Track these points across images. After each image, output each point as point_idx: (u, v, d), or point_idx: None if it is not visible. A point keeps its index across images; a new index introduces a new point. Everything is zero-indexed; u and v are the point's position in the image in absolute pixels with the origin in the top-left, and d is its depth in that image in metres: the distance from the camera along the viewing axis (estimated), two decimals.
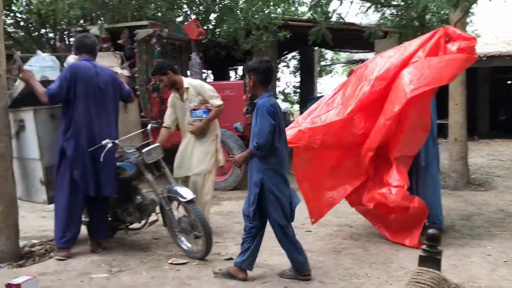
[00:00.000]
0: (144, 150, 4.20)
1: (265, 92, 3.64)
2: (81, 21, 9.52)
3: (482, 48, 14.61)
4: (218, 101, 4.83)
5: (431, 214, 4.58)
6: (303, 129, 4.62)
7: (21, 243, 4.46)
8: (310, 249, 4.41)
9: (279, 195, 3.55)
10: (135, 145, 4.44)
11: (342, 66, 23.22)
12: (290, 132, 4.52)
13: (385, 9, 10.67)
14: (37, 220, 5.62)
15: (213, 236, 4.17)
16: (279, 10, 10.97)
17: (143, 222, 4.56)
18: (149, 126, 4.63)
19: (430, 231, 2.48)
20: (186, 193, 4.15)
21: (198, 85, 4.87)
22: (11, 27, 12.02)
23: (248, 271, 3.69)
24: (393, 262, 4.01)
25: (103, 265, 4.05)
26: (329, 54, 22.91)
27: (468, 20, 10.32)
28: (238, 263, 3.66)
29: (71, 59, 5.03)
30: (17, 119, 4.42)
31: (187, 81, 4.90)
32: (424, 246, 2.47)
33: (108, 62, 4.92)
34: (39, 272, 3.85)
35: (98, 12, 8.41)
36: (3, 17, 4.33)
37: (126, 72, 5.06)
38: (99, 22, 8.31)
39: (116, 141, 4.32)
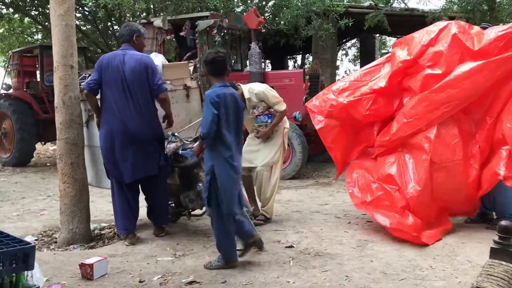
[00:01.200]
0: (195, 144, 4.28)
1: (218, 82, 3.73)
2: (144, 14, 9.82)
3: None
4: (282, 107, 4.83)
5: (505, 209, 4.41)
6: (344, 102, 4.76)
7: (92, 226, 4.71)
8: (372, 239, 4.35)
9: (226, 183, 3.60)
10: (192, 136, 4.54)
11: None
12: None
13: None
14: (105, 204, 5.90)
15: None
16: None
17: (204, 208, 4.68)
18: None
19: (503, 222, 2.38)
20: None
21: (260, 92, 4.79)
22: (80, 21, 12.61)
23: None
24: (459, 255, 3.88)
25: (168, 248, 4.20)
26: (389, 41, 22.22)
27: None
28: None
29: (153, 55, 5.24)
30: (87, 109, 4.64)
31: (247, 90, 4.83)
32: (496, 238, 2.37)
33: (180, 73, 4.96)
34: (109, 254, 4.05)
35: (161, 5, 8.61)
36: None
37: (194, 84, 5.01)
38: (162, 14, 8.52)
39: (176, 133, 4.46)
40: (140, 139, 4.27)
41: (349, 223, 4.98)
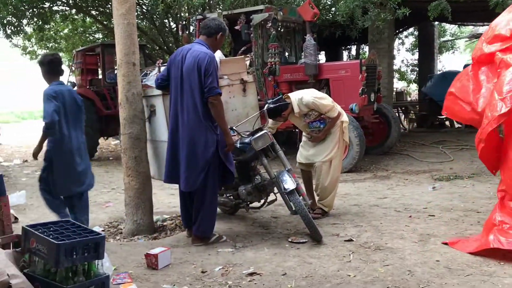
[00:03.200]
0: (252, 138, 4.32)
1: (55, 81, 4.33)
2: (200, 9, 9.99)
3: None
4: (334, 113, 4.78)
5: None
6: None
7: (155, 217, 4.87)
8: (435, 233, 4.24)
9: (55, 172, 4.30)
10: (250, 129, 4.57)
11: (466, 41, 21.49)
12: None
13: None
14: (167, 197, 6.10)
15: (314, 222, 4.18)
16: None
17: (262, 201, 4.73)
18: (265, 108, 4.74)
19: None
20: (289, 183, 4.19)
21: (310, 102, 4.72)
22: (138, 18, 12.99)
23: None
24: (498, 250, 3.68)
25: (228, 240, 4.28)
26: (450, 29, 21.37)
27: None
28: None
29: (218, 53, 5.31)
30: (149, 104, 4.79)
31: (296, 103, 4.74)
32: None
33: (237, 67, 4.96)
34: (172, 245, 4.18)
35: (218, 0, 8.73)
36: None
37: (250, 78, 4.98)
38: (217, 9, 8.64)
39: (234, 127, 4.49)
40: (183, 147, 4.04)
41: (410, 217, 4.87)
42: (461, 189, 6.09)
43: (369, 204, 5.52)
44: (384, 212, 5.10)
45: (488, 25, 15.21)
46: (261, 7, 8.24)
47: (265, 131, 4.42)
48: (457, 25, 19.02)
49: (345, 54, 18.18)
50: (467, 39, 20.17)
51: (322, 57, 16.49)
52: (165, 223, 4.96)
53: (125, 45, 4.48)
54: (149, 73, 5.01)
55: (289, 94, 4.90)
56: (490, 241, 3.60)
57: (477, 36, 16.94)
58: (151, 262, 3.65)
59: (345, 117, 4.96)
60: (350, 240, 4.15)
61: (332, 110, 4.78)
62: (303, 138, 5.09)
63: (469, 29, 19.14)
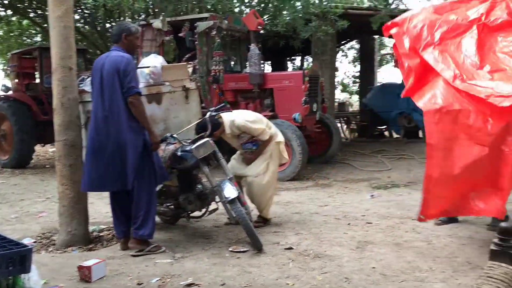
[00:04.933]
0: (193, 147, 4.27)
1: None
2: (144, 15, 9.83)
3: None
4: (265, 136, 4.74)
5: None
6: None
7: (90, 228, 4.69)
8: (371, 240, 4.34)
9: None
10: (191, 137, 4.51)
11: None
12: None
13: None
14: (104, 206, 5.88)
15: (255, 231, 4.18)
16: None
17: (203, 210, 4.67)
18: (207, 115, 4.70)
19: (503, 224, 2.36)
20: (230, 192, 4.16)
21: (241, 126, 4.69)
22: (79, 22, 12.59)
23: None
24: (459, 256, 3.86)
25: (167, 251, 4.18)
26: (390, 42, 22.22)
27: None
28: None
29: (152, 57, 5.21)
30: (86, 110, 4.63)
31: (229, 125, 4.70)
32: (496, 240, 2.36)
33: (179, 74, 4.90)
34: (107, 256, 4.03)
35: (161, 6, 8.61)
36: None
37: (193, 86, 4.91)
38: (161, 15, 8.52)
39: (175, 135, 4.43)
40: (105, 149, 4.01)
41: (348, 224, 4.97)
42: (398, 197, 6.30)
43: (310, 212, 5.59)
44: (325, 220, 5.17)
45: None
46: (206, 15, 8.21)
47: (207, 139, 4.37)
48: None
49: (290, 65, 18.49)
50: None
51: (267, 67, 16.68)
52: (101, 234, 4.78)
53: (61, 48, 4.31)
54: (86, 78, 4.85)
55: (222, 115, 4.80)
56: None
57: None
58: (84, 275, 3.50)
59: (280, 137, 4.94)
60: (290, 248, 4.17)
61: (264, 133, 4.74)
62: (238, 152, 5.06)
63: None
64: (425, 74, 4.00)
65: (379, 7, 10.41)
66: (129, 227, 4.24)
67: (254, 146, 4.83)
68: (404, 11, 10.73)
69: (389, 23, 4.42)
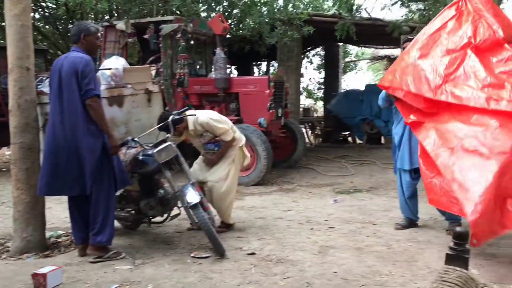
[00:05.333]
0: (155, 151, 4.21)
1: None
2: (107, 16, 9.64)
3: None
4: (228, 137, 4.72)
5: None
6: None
7: (48, 233, 4.54)
8: (333, 245, 4.37)
9: None
10: (154, 141, 4.44)
11: (367, 63, 22.93)
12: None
13: (411, 3, 10.49)
14: (63, 211, 5.69)
15: (218, 236, 4.14)
16: (301, 5, 10.89)
17: (165, 216, 4.59)
18: (170, 118, 4.64)
19: (458, 229, 2.42)
20: (192, 197, 4.11)
21: (205, 123, 4.68)
22: (40, 22, 12.24)
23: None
24: (418, 260, 3.94)
25: (127, 257, 4.09)
26: (354, 50, 22.65)
27: None
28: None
29: (114, 59, 5.08)
30: (44, 112, 4.49)
31: (192, 121, 4.70)
32: (451, 244, 2.41)
33: (142, 77, 4.81)
34: (65, 263, 3.90)
35: (125, 7, 8.48)
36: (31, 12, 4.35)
37: (156, 88, 4.79)
38: (125, 17, 8.38)
39: (136, 138, 4.35)
40: (62, 152, 3.90)
41: (311, 229, 4.99)
42: (360, 202, 6.39)
43: (274, 217, 5.59)
44: (288, 225, 5.18)
45: (388, 48, 16.30)
46: (171, 17, 8.13)
47: (169, 142, 4.30)
48: (360, 47, 20.21)
49: (256, 70, 18.53)
50: (368, 60, 21.52)
51: (233, 71, 16.66)
52: (59, 240, 4.63)
53: (18, 48, 4.16)
54: (45, 79, 4.70)
55: (187, 112, 4.79)
56: None
57: (378, 58, 18.15)
58: (39, 283, 3.37)
59: (242, 142, 4.92)
60: (253, 254, 4.15)
61: (226, 133, 4.71)
62: (200, 156, 5.02)
63: (370, 51, 20.39)
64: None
65: (343, 15, 10.59)
66: (87, 232, 4.11)
67: (216, 146, 4.80)
68: (368, 19, 11.01)
69: (385, 84, 4.46)
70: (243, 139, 4.98)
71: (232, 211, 5.04)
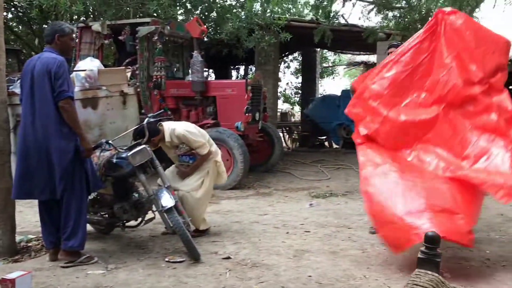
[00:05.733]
0: (129, 153, 4.16)
1: None
2: (83, 17, 9.50)
3: None
4: (204, 150, 4.66)
5: None
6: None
7: (18, 238, 4.44)
8: (308, 249, 4.38)
9: None
10: (127, 144, 4.38)
11: (344, 68, 23.18)
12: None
13: (387, 11, 10.65)
14: (34, 215, 5.55)
15: (193, 240, 4.10)
16: (280, 10, 10.94)
17: (139, 219, 4.53)
18: (145, 121, 4.58)
19: (429, 233, 2.45)
20: (167, 201, 4.06)
21: (181, 135, 4.62)
22: (13, 21, 12.00)
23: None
24: (392, 264, 3.98)
25: (100, 261, 4.02)
26: (331, 55, 22.86)
27: None
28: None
29: (89, 60, 4.97)
30: (15, 114, 4.39)
31: (169, 133, 4.65)
32: (422, 248, 2.44)
33: (117, 79, 4.73)
34: (35, 268, 3.81)
35: (100, 9, 8.36)
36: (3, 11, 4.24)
37: (131, 91, 4.72)
38: (101, 18, 8.27)
39: (110, 141, 4.29)
40: (33, 155, 3.82)
41: (287, 233, 5.00)
42: (335, 206, 6.43)
43: (250, 221, 5.57)
44: (264, 229, 5.17)
45: (364, 54, 16.49)
46: (147, 19, 8.06)
47: (144, 145, 4.25)
48: (336, 53, 20.44)
49: (234, 73, 18.53)
50: (345, 66, 21.76)
51: (211, 75, 16.62)
52: (29, 244, 4.52)
53: None
54: (16, 80, 4.60)
55: (163, 123, 4.73)
56: None
57: (354, 64, 18.36)
58: None
59: (219, 157, 4.90)
60: (228, 258, 4.13)
61: (203, 147, 4.66)
62: (173, 165, 4.95)
63: (347, 57, 20.62)
64: None
65: (321, 21, 10.68)
66: (59, 237, 4.02)
67: (190, 159, 4.75)
68: (345, 25, 11.13)
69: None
70: (219, 152, 4.95)
71: (208, 215, 5.01)
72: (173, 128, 4.67)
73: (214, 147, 4.88)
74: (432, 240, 2.36)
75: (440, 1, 9.43)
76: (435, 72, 4.27)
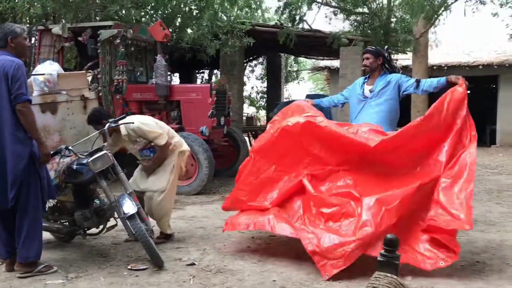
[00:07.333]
0: (90, 159, 4.07)
1: None
2: (43, 20, 9.25)
3: (443, 58, 15.08)
4: (161, 141, 4.59)
5: None
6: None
7: None
8: (273, 253, 4.38)
9: None
10: (89, 149, 4.28)
11: (308, 73, 23.46)
12: None
13: (350, 15, 10.86)
14: None
15: (156, 247, 4.05)
16: (243, 14, 10.99)
17: (101, 227, 4.43)
18: (106, 126, 4.50)
19: (388, 236, 2.49)
20: (129, 207, 4.00)
21: (137, 128, 4.56)
22: None
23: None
24: (355, 266, 4.00)
25: (59, 270, 3.90)
26: (295, 60, 23.09)
27: (431, 30, 10.65)
28: None
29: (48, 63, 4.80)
30: None
31: (124, 126, 4.59)
32: (382, 251, 2.47)
33: (77, 83, 4.61)
34: None
35: (60, 12, 8.16)
36: None
37: (92, 95, 4.61)
38: (61, 21, 8.07)
39: (70, 147, 4.19)
40: None
41: (252, 237, 4.99)
42: None
43: (215, 226, 5.54)
44: (229, 234, 5.13)
45: (328, 59, 16.76)
46: (110, 22, 7.92)
47: (105, 151, 4.16)
48: (301, 57, 20.67)
49: (199, 78, 18.46)
50: (309, 71, 22.01)
51: (176, 79, 16.50)
52: None
53: None
54: None
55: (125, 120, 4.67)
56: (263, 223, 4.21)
57: (319, 68, 18.61)
58: None
59: (184, 147, 4.87)
60: (192, 264, 4.08)
61: (159, 137, 4.59)
62: (140, 165, 4.90)
63: (311, 62, 20.88)
64: None
65: (285, 26, 10.78)
66: (15, 246, 3.88)
67: (151, 152, 4.68)
68: (309, 31, 11.27)
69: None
70: (184, 144, 4.90)
71: (172, 221, 4.95)
72: (128, 121, 4.59)
73: (177, 138, 4.83)
74: (391, 243, 2.40)
75: (400, 10, 9.69)
76: None
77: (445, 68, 14.43)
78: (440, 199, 3.82)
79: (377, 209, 3.78)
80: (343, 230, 3.88)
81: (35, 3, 6.85)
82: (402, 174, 4.10)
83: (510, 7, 12.29)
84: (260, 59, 19.30)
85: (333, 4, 10.89)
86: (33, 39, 8.30)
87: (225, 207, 4.83)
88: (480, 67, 14.69)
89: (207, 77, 18.29)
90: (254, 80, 22.00)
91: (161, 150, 4.66)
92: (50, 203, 4.31)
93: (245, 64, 16.86)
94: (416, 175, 4.02)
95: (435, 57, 13.96)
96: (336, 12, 10.66)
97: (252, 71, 20.83)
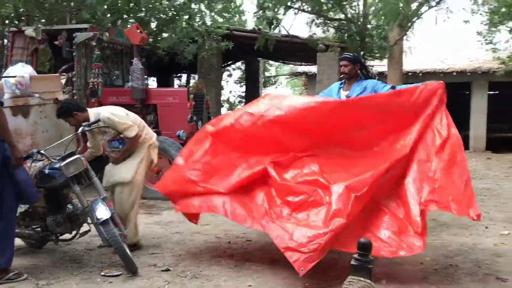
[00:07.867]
0: (62, 164, 4.00)
1: None
2: (16, 21, 9.08)
3: (417, 65, 15.33)
4: (131, 133, 4.52)
5: None
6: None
7: None
8: (250, 258, 4.38)
9: None
10: (62, 153, 4.20)
11: (286, 78, 23.58)
12: None
13: (327, 21, 10.96)
14: None
15: (129, 252, 4.00)
16: (220, 19, 10.98)
17: (74, 232, 4.35)
18: (80, 130, 4.42)
19: (361, 240, 2.50)
20: (102, 213, 3.94)
21: (106, 118, 4.47)
22: None
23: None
24: (331, 271, 4.03)
25: (30, 278, 3.81)
26: (274, 65, 23.20)
27: (405, 37, 10.83)
28: None
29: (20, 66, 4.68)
30: None
31: (94, 117, 4.50)
32: (355, 255, 2.48)
33: (51, 86, 4.51)
34: None
35: (33, 14, 8.02)
36: None
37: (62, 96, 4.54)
38: (35, 23, 7.93)
39: (42, 151, 4.10)
40: None
41: (229, 242, 4.97)
42: None
43: (191, 231, 5.48)
44: (205, 239, 5.11)
45: (306, 64, 16.84)
46: (85, 25, 7.81)
47: (78, 156, 4.09)
48: (278, 63, 20.77)
49: (177, 82, 18.35)
50: (287, 76, 22.14)
51: (153, 83, 16.37)
52: None
53: None
54: None
55: (89, 108, 4.59)
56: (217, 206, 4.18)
57: (296, 74, 18.71)
58: None
59: (154, 140, 4.81)
60: (167, 270, 4.04)
61: (129, 129, 4.51)
62: (110, 159, 4.81)
63: (289, 67, 20.98)
64: None
65: (263, 30, 10.82)
66: None
67: (120, 144, 4.61)
68: (286, 36, 11.33)
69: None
70: (154, 137, 4.84)
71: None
72: (98, 112, 4.52)
73: (147, 131, 4.77)
74: (364, 247, 2.41)
75: (374, 18, 9.82)
76: None
77: (420, 74, 14.66)
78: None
79: (346, 197, 3.67)
80: (312, 221, 3.72)
81: (6, 3, 6.67)
82: (369, 156, 4.04)
83: (480, 14, 12.61)
84: (238, 64, 19.33)
85: (309, 9, 10.97)
86: (5, 40, 8.15)
87: (163, 188, 4.50)
88: (454, 73, 14.97)
89: (185, 81, 18.20)
90: (232, 84, 22.01)
91: (131, 142, 4.57)
92: (22, 208, 4.20)
93: (223, 68, 16.85)
94: (384, 157, 3.94)
95: (410, 64, 14.19)
96: (313, 19, 10.74)
97: (230, 75, 20.84)
